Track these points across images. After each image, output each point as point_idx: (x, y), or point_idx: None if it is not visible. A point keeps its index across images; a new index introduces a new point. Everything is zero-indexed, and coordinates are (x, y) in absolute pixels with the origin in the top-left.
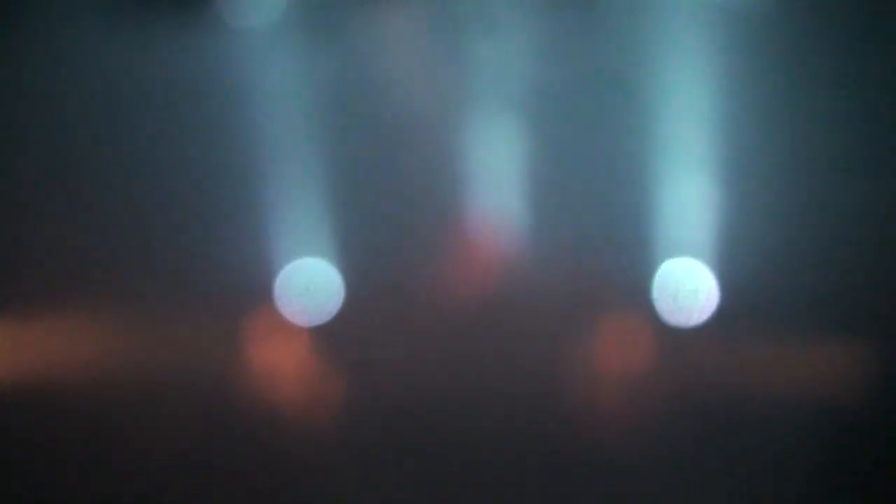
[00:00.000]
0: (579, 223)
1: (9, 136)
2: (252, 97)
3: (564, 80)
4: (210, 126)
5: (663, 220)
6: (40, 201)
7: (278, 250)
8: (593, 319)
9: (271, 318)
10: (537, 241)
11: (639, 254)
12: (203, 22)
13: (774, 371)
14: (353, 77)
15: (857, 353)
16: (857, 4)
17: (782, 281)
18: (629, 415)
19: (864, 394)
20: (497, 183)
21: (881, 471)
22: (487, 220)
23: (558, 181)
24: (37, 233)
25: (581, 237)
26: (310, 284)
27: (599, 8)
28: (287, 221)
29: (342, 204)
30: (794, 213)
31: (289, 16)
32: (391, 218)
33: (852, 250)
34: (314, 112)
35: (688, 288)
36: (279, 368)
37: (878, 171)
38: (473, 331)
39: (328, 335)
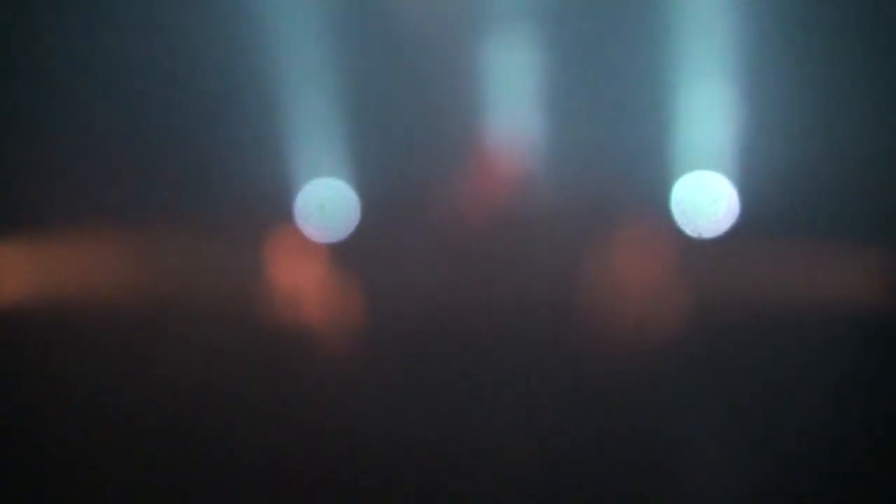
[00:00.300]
0: (597, 137)
1: (16, 55)
2: (268, 14)
3: None
4: (226, 45)
5: (682, 132)
6: (59, 120)
7: (295, 169)
8: (612, 233)
9: (289, 236)
10: (554, 156)
11: (657, 166)
12: None
13: (796, 282)
14: None
15: (881, 262)
16: None
17: (803, 190)
18: (648, 328)
19: (889, 304)
20: (514, 97)
21: None
22: (504, 135)
23: (575, 95)
24: (55, 151)
25: (598, 151)
26: (327, 202)
27: None
28: (304, 139)
29: (358, 120)
30: (816, 122)
31: None
32: (407, 134)
33: (875, 158)
34: (331, 29)
35: (707, 199)
36: (297, 286)
37: None
38: (491, 247)
39: (345, 252)
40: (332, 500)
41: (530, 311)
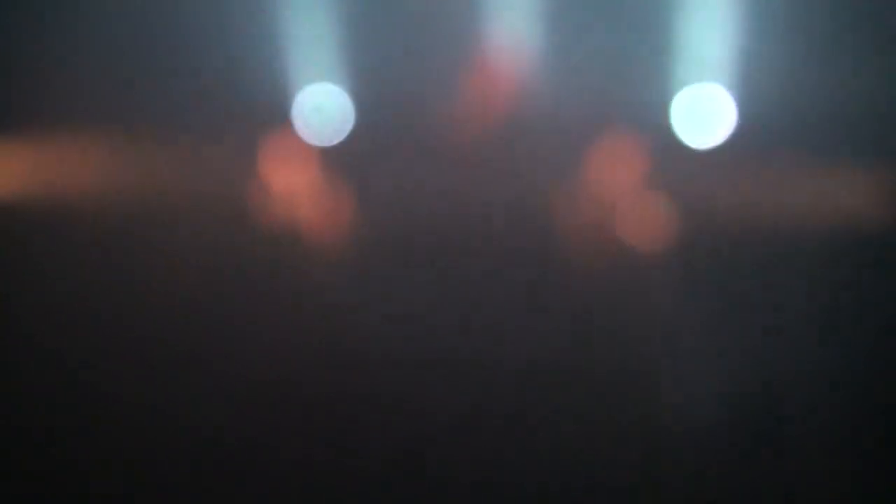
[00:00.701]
0: (595, 47)
1: None
2: None
3: None
4: None
5: (682, 43)
6: (55, 22)
7: (291, 73)
8: (610, 143)
9: (284, 139)
10: (552, 65)
11: (657, 77)
12: None
13: (796, 196)
14: None
15: (881, 178)
16: None
17: (804, 104)
18: (643, 240)
19: (887, 220)
20: (514, 7)
21: None
22: (501, 42)
23: (577, 7)
24: (51, 53)
25: (597, 61)
26: (322, 106)
27: None
28: (300, 43)
29: (355, 25)
30: (816, 33)
31: None
32: (403, 39)
33: (876, 75)
34: None
35: (706, 110)
36: (291, 189)
37: None
38: (487, 154)
39: (340, 156)
40: (324, 407)
41: (526, 220)
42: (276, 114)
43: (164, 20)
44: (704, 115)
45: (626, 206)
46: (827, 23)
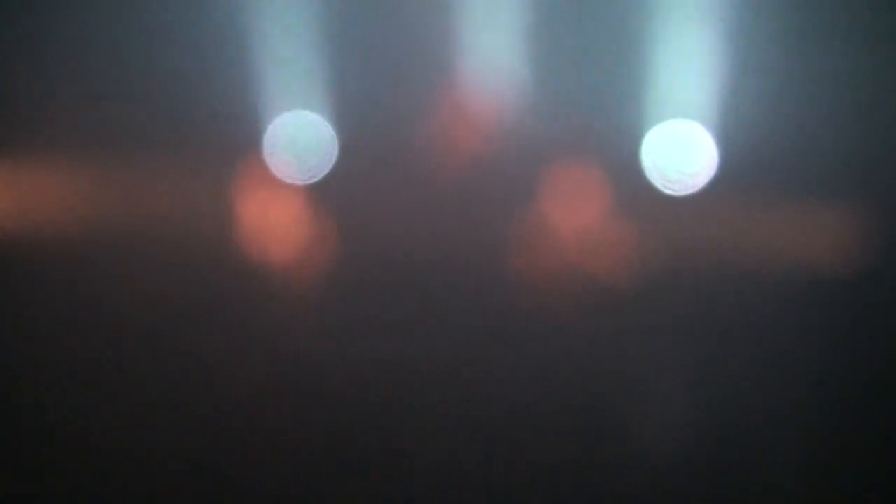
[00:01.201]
0: (576, 82)
1: None
2: None
3: None
4: None
5: (660, 78)
6: (32, 47)
7: (269, 103)
8: (588, 181)
9: (261, 174)
10: (532, 99)
11: (636, 114)
12: None
13: (774, 238)
14: None
15: (859, 219)
16: None
17: (783, 145)
18: (622, 280)
19: (865, 260)
20: (493, 39)
21: (881, 338)
22: (484, 76)
23: (554, 40)
24: (27, 78)
25: (577, 96)
26: (301, 140)
27: None
28: (279, 73)
29: (335, 56)
30: (796, 74)
31: None
32: (385, 72)
33: (854, 114)
34: None
35: (684, 151)
36: (268, 225)
37: (879, 34)
38: (467, 189)
39: (319, 192)
40: (303, 438)
41: (505, 253)
42: (252, 145)
43: (141, 44)
44: (683, 157)
45: (604, 244)
46: (808, 59)
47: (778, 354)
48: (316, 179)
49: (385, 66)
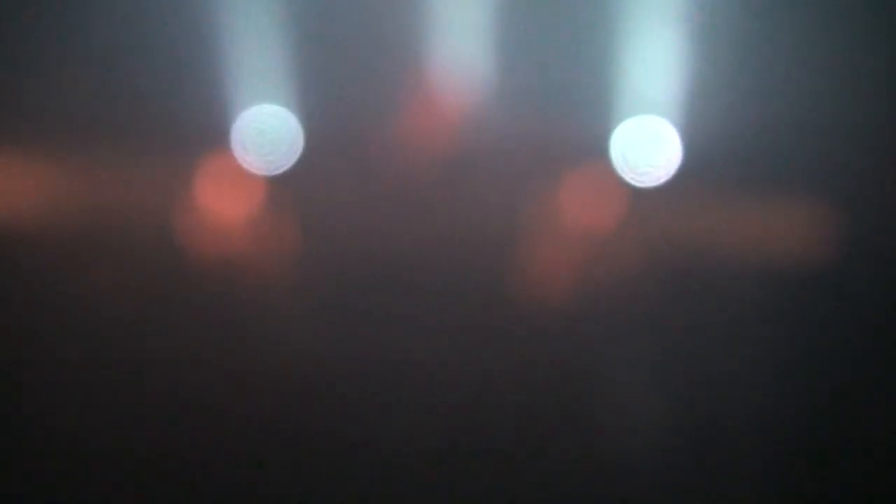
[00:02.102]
0: (544, 76)
1: None
2: None
3: None
4: None
5: (627, 74)
6: None
7: (236, 95)
8: (557, 177)
9: (227, 166)
10: (502, 93)
11: (604, 108)
12: None
13: (739, 233)
14: None
15: (825, 214)
16: None
17: (749, 139)
18: (593, 275)
19: (832, 256)
20: (462, 33)
21: (849, 331)
22: (451, 71)
23: (524, 33)
24: None
25: (546, 91)
26: (267, 131)
27: None
28: (245, 65)
29: (302, 47)
30: (764, 68)
31: None
32: (353, 65)
33: (824, 109)
34: None
35: (651, 146)
36: (234, 219)
37: (853, 30)
38: (435, 184)
39: (285, 185)
40: (268, 431)
41: (474, 248)
42: (216, 138)
43: (101, 33)
44: (650, 148)
45: (573, 240)
46: (779, 52)
47: (748, 346)
48: (282, 171)
49: (353, 57)
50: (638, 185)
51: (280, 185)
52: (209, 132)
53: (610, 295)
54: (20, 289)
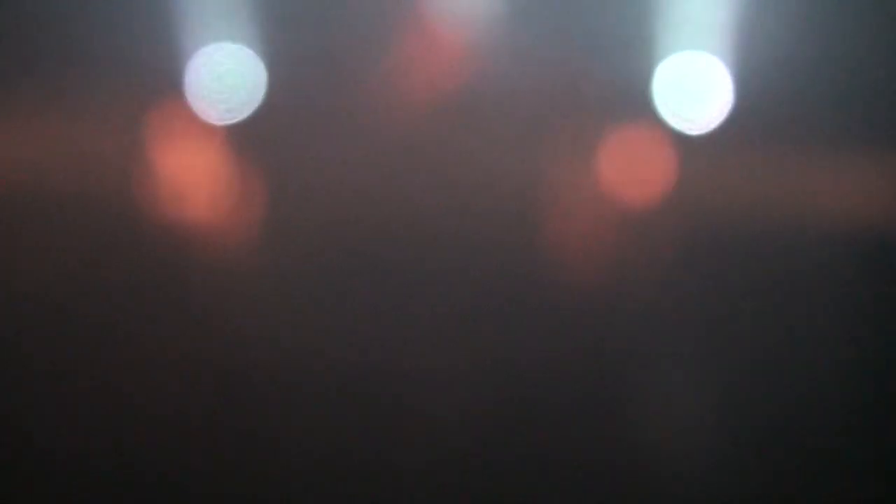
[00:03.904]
0: (562, 9)
1: None
2: None
3: None
4: None
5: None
6: None
7: (190, 32)
8: (578, 126)
9: (181, 113)
10: (507, 28)
11: (636, 48)
12: None
13: (797, 186)
14: None
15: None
16: None
17: (804, 81)
18: (625, 240)
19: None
20: None
21: None
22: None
23: None
24: None
25: (563, 27)
26: (225, 73)
27: None
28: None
29: None
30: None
31: None
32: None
33: (882, 49)
34: None
35: (695, 89)
36: (189, 172)
37: None
38: (426, 139)
39: (246, 135)
40: (223, 419)
41: (474, 212)
42: (169, 83)
43: None
44: (693, 92)
45: (596, 199)
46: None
47: (805, 317)
48: (240, 119)
49: None
50: (684, 134)
51: (241, 136)
52: (157, 76)
53: (650, 271)
54: None
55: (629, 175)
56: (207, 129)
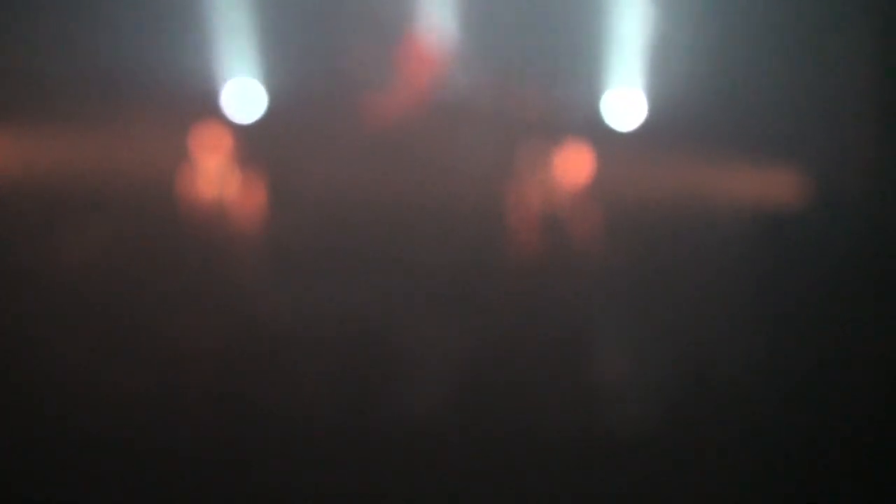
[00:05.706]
0: (517, 43)
1: None
2: None
3: None
4: None
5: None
6: None
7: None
8: (529, 139)
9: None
10: (472, 58)
11: (576, 73)
12: None
13: (709, 189)
14: None
15: (791, 169)
16: None
17: (715, 98)
18: (565, 227)
19: (799, 211)
20: None
21: (814, 276)
22: (427, 28)
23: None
24: None
25: (517, 58)
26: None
27: None
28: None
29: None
30: (728, 27)
31: None
32: (325, 23)
33: (790, 69)
34: None
35: (620, 106)
36: (204, 179)
37: None
38: (408, 143)
39: (254, 144)
40: (234, 401)
41: (446, 206)
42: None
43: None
44: (619, 110)
45: (544, 196)
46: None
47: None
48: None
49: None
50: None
51: (250, 144)
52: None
53: (584, 245)
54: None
55: (573, 177)
56: (223, 138)
